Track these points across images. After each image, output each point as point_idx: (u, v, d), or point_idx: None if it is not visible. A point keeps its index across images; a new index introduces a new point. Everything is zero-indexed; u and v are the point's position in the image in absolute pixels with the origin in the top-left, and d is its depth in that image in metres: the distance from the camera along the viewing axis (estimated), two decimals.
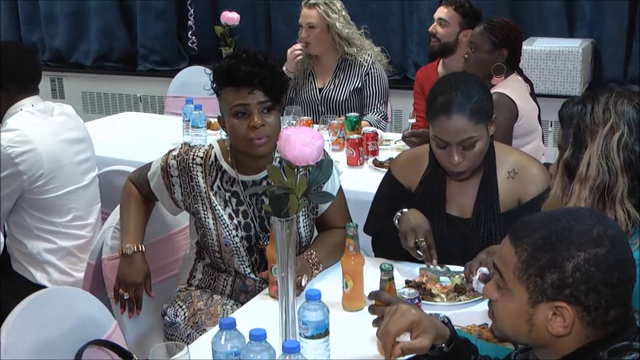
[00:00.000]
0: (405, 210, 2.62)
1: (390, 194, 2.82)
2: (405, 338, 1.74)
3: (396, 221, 2.62)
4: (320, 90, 4.71)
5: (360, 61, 4.64)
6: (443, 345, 1.77)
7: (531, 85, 4.09)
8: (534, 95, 4.07)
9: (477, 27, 3.94)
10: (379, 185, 2.94)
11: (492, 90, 3.66)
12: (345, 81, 4.66)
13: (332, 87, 4.68)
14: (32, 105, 3.21)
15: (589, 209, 1.68)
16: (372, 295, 2.01)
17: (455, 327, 1.84)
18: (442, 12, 4.49)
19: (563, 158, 1.99)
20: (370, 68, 4.63)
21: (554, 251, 1.48)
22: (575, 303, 1.47)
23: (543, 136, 4.17)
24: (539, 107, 4.02)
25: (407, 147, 3.69)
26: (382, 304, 1.96)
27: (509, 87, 3.80)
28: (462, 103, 2.50)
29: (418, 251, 2.54)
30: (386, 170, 3.60)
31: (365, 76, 4.63)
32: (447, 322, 1.82)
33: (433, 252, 2.53)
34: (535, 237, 1.51)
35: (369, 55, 4.66)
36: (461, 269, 2.51)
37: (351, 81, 4.65)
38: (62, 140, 3.26)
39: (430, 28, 4.51)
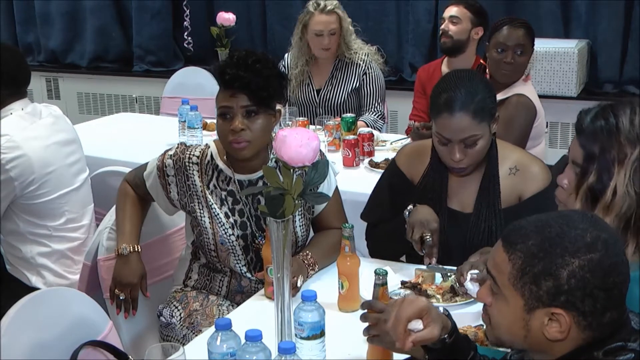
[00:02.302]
0: (418, 205, 2.64)
1: (392, 184, 2.83)
2: (418, 325, 1.73)
3: (407, 213, 2.63)
4: (317, 92, 4.72)
5: (357, 62, 4.64)
6: (445, 336, 1.77)
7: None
8: None
9: (516, 28, 3.78)
10: (381, 174, 2.95)
11: (514, 92, 3.67)
12: (342, 82, 4.67)
13: (329, 88, 4.68)
14: (22, 109, 3.20)
15: (581, 212, 1.66)
16: (365, 305, 2.01)
17: None
18: (452, 10, 4.45)
19: (588, 183, 1.88)
20: (368, 68, 4.64)
21: (548, 258, 1.47)
22: (571, 309, 1.47)
23: None
24: None
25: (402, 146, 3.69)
26: (374, 312, 1.97)
27: (528, 88, 3.79)
28: (465, 101, 2.50)
29: (422, 246, 2.55)
30: (382, 170, 3.61)
31: (362, 76, 4.64)
32: (447, 314, 1.82)
33: (435, 251, 2.55)
34: (528, 244, 1.50)
35: (365, 54, 4.67)
36: (454, 269, 2.53)
37: (349, 82, 4.66)
38: (53, 143, 3.24)
39: (442, 26, 4.46)
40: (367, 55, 4.67)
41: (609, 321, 1.49)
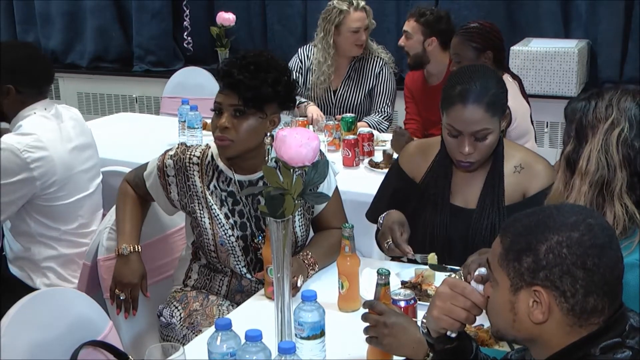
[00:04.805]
0: (387, 213, 2.67)
1: (395, 184, 2.84)
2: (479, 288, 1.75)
3: (381, 220, 2.65)
4: (334, 92, 4.76)
5: (373, 63, 4.72)
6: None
7: (520, 82, 4.09)
8: (525, 93, 4.07)
9: (455, 36, 3.95)
10: (386, 172, 2.96)
11: None
12: (358, 83, 4.74)
13: (346, 89, 4.74)
14: (45, 109, 3.19)
15: (580, 205, 1.69)
16: (367, 305, 2.01)
17: None
18: (406, 24, 4.54)
19: (564, 152, 2.00)
20: (382, 69, 4.72)
21: (530, 236, 1.52)
22: (551, 287, 1.49)
23: (536, 137, 4.18)
24: (529, 106, 4.02)
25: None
26: (375, 313, 1.97)
27: None
28: (479, 94, 2.51)
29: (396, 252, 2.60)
30: (382, 170, 3.62)
31: (377, 76, 4.71)
32: None
33: (402, 247, 2.57)
34: (517, 226, 1.56)
35: (381, 53, 4.76)
36: (454, 269, 2.53)
37: (364, 82, 4.73)
38: (74, 147, 3.22)
39: (400, 41, 4.59)
40: (383, 59, 4.74)
41: (594, 308, 1.50)
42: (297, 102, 4.55)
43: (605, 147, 1.91)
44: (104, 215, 3.37)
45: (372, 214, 2.91)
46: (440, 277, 2.55)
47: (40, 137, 3.07)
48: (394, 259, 2.91)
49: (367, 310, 2.00)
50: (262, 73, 2.55)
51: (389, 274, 2.19)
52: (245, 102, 2.54)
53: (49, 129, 3.13)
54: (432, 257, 2.58)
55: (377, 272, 2.18)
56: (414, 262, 2.66)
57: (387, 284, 2.18)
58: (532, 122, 4.04)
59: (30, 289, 3.14)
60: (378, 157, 3.94)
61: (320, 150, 2.05)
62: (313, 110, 4.57)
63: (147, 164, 2.79)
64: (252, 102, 2.55)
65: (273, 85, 2.56)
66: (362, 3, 4.66)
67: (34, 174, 3.04)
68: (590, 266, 1.48)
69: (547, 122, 5.40)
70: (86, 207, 3.29)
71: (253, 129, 2.58)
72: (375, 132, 4.27)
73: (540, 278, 1.49)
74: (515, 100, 3.80)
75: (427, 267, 2.58)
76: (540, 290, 1.49)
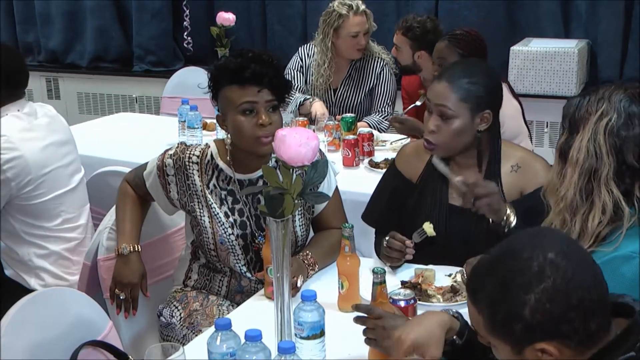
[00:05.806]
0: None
1: (390, 185, 2.84)
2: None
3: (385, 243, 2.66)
4: (335, 91, 4.78)
5: (373, 64, 4.74)
6: (455, 337, 1.76)
7: (508, 84, 4.11)
8: (514, 93, 4.07)
9: (441, 41, 3.97)
10: (383, 173, 2.97)
11: None
12: (358, 82, 4.77)
13: (346, 88, 4.76)
14: (18, 110, 3.17)
15: (526, 235, 1.60)
16: (363, 309, 2.01)
17: None
18: (395, 38, 4.57)
19: (559, 143, 2.03)
20: (382, 70, 4.74)
21: (505, 303, 1.47)
22: (552, 338, 1.45)
23: (531, 137, 4.18)
24: (521, 105, 4.01)
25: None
26: (372, 317, 1.97)
27: None
28: (457, 76, 2.58)
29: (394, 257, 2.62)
30: (382, 170, 3.61)
31: (378, 76, 4.73)
32: (457, 316, 1.82)
33: (399, 236, 2.59)
34: (486, 292, 1.51)
35: (381, 59, 4.77)
36: (454, 269, 2.53)
37: (364, 82, 4.76)
38: (49, 144, 3.22)
39: (392, 52, 4.64)
40: (383, 59, 4.76)
41: (599, 327, 1.46)
42: (303, 99, 4.57)
43: (594, 137, 1.93)
44: (99, 212, 3.37)
45: (369, 216, 2.91)
46: (440, 277, 2.55)
47: (10, 138, 3.07)
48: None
49: (358, 313, 2.00)
50: (279, 67, 2.64)
51: (384, 272, 2.19)
52: (278, 97, 2.61)
53: (19, 129, 3.12)
54: (428, 227, 2.59)
55: (373, 270, 2.18)
56: (415, 262, 2.66)
57: (383, 282, 2.18)
58: (525, 121, 4.03)
59: (27, 291, 3.14)
60: (378, 157, 3.94)
61: (320, 149, 2.05)
62: (318, 107, 4.56)
63: (146, 163, 2.79)
64: (283, 95, 2.64)
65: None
66: (363, 7, 4.66)
67: (8, 175, 3.05)
68: (576, 301, 1.44)
69: (547, 122, 5.40)
70: (69, 203, 3.29)
71: (282, 120, 2.65)
72: (375, 132, 4.28)
73: (538, 336, 1.45)
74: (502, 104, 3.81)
75: (427, 267, 2.58)
76: (544, 346, 1.46)
